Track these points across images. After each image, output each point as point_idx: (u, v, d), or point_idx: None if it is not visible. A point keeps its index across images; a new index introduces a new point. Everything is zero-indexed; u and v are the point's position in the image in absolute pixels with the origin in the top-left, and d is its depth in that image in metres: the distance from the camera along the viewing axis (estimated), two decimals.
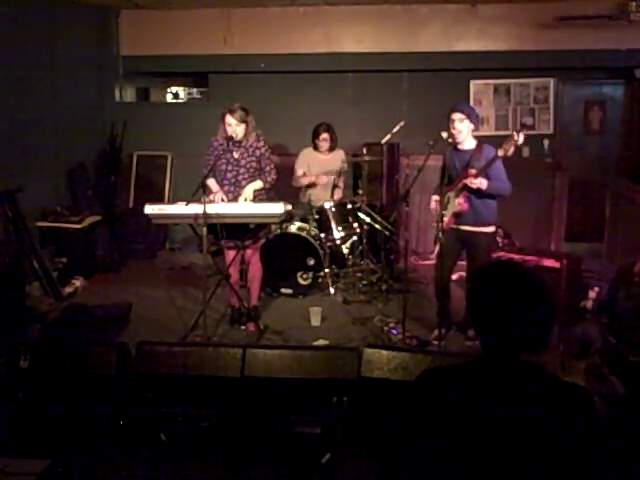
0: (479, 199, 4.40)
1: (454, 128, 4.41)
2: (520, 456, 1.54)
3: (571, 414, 1.57)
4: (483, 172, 4.30)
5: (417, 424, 1.66)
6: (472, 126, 4.45)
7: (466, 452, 1.57)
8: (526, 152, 7.23)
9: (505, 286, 1.65)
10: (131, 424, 3.47)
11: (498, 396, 1.59)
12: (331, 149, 6.15)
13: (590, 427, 1.58)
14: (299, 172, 6.18)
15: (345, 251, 5.89)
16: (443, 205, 4.47)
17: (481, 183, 4.29)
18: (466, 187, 4.36)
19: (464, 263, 4.74)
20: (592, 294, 5.02)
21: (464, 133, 4.42)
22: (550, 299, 1.65)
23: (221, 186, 4.82)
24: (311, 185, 6.12)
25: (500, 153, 4.26)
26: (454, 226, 4.51)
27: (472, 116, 4.46)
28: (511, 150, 4.23)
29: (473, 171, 4.32)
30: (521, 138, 4.18)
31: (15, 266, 5.01)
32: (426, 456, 1.62)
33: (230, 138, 4.74)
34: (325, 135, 6.08)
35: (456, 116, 4.39)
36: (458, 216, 4.47)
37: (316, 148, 6.18)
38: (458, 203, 4.42)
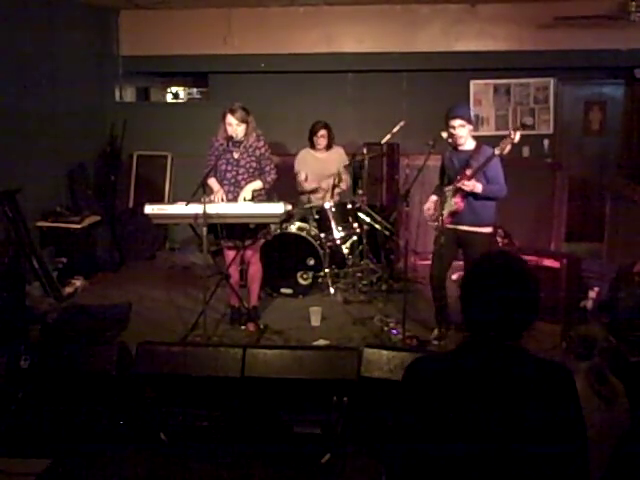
0: (477, 200, 4.41)
1: (455, 134, 4.42)
2: (511, 436, 1.61)
3: (555, 389, 1.66)
4: (478, 172, 4.30)
5: (413, 416, 1.73)
6: (472, 128, 4.48)
7: (460, 436, 1.63)
8: (526, 152, 7.24)
9: (489, 273, 1.75)
10: (131, 424, 3.47)
11: (485, 379, 1.66)
12: (328, 147, 6.14)
13: (571, 401, 1.67)
14: (302, 176, 6.07)
15: (345, 251, 5.89)
16: (441, 205, 4.48)
17: (474, 186, 4.30)
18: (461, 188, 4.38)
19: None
20: (592, 294, 5.02)
21: (464, 137, 4.45)
22: (532, 286, 1.73)
23: (221, 186, 4.82)
24: (314, 191, 6.10)
25: (496, 152, 4.28)
26: (451, 226, 4.51)
27: (471, 119, 4.51)
28: (507, 148, 4.24)
29: (468, 172, 4.33)
30: (517, 136, 4.19)
31: (15, 266, 5.01)
32: (426, 445, 1.67)
33: (230, 138, 4.74)
34: (323, 132, 6.06)
35: (457, 122, 4.40)
36: (454, 215, 4.47)
37: (313, 146, 6.17)
38: (454, 202, 4.43)
